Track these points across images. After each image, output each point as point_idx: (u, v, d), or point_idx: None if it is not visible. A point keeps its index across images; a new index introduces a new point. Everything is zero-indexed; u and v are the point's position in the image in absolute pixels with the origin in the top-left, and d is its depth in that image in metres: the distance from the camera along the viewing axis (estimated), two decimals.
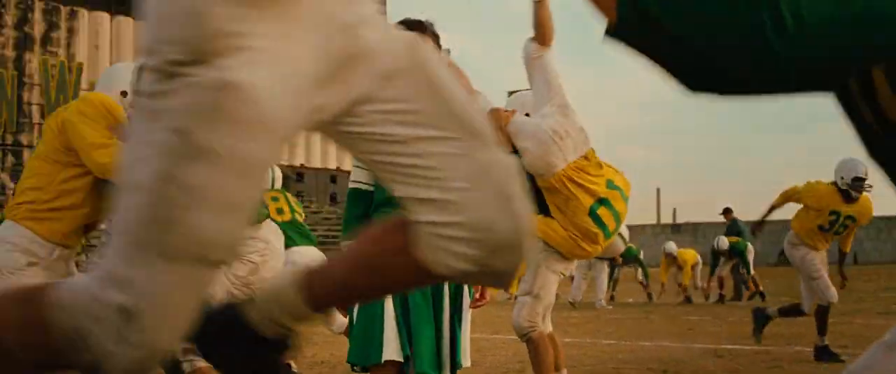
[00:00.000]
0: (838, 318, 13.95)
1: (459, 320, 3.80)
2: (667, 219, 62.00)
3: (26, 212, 4.69)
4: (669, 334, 11.83)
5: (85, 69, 32.48)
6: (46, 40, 73.03)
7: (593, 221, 5.77)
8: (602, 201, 5.78)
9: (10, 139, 31.37)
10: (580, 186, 5.74)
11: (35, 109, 58.89)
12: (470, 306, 3.81)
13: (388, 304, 3.75)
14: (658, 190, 69.79)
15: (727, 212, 20.62)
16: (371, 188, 3.90)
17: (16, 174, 32.19)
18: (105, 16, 78.04)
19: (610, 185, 5.79)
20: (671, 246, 20.83)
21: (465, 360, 3.78)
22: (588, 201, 5.73)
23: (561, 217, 5.84)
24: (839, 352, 8.50)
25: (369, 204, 3.90)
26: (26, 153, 43.19)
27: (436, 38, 3.91)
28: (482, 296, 3.85)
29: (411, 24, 3.83)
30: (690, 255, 20.69)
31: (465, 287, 3.80)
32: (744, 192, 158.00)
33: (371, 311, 3.77)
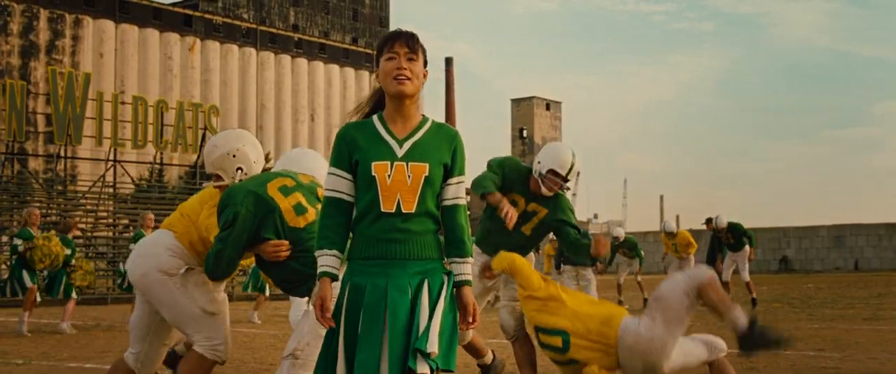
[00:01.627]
0: (824, 323, 14.24)
1: (431, 312, 3.69)
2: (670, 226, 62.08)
3: (183, 228, 5.64)
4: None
5: (92, 80, 32.81)
6: (51, 48, 73.26)
7: (542, 330, 6.06)
8: (550, 339, 6.02)
9: (16, 148, 31.62)
10: (585, 345, 5.95)
11: (40, 119, 59.31)
12: (461, 328, 3.78)
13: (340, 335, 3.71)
14: (661, 197, 70.20)
15: (709, 222, 20.76)
16: (351, 199, 3.83)
17: (21, 182, 32.51)
18: (110, 24, 78.39)
19: (572, 361, 6.04)
20: (670, 224, 20.79)
21: (431, 346, 3.61)
22: (558, 326, 6.00)
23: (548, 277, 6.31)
24: (815, 355, 8.86)
25: (349, 215, 3.83)
26: (31, 162, 43.30)
27: (424, 51, 3.91)
28: (474, 319, 3.78)
29: (406, 36, 3.85)
30: (685, 235, 20.41)
31: (445, 289, 3.75)
32: (747, 198, 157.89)
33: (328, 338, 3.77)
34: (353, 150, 3.80)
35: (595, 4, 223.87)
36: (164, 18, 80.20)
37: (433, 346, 3.59)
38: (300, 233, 5.16)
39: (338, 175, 3.83)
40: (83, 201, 30.16)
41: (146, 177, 46.63)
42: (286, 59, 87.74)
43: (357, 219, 3.79)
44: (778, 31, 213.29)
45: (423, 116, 3.93)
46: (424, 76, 3.90)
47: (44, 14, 73.41)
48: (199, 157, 31.02)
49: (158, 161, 32.87)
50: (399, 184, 3.72)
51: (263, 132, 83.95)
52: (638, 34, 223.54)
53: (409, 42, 3.82)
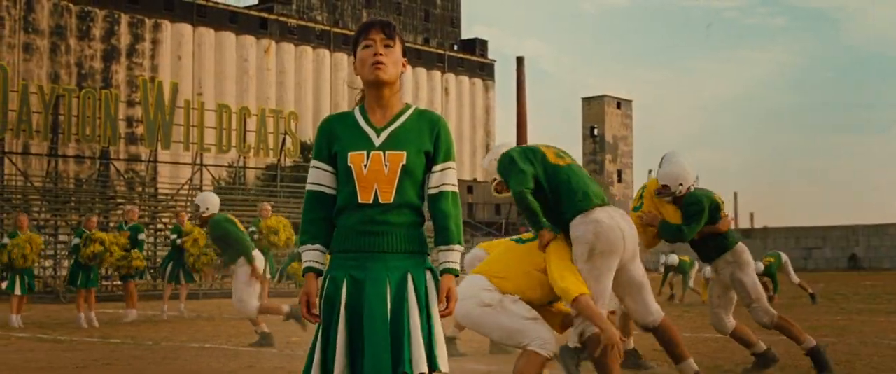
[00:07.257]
0: (847, 315, 15.03)
1: (429, 324, 3.64)
2: (744, 224, 60.82)
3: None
4: (685, 325, 12.96)
5: (170, 82, 35.10)
6: (131, 52, 75.68)
7: None
8: None
9: (98, 151, 33.81)
10: None
11: (122, 125, 61.52)
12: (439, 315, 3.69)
13: (340, 328, 3.59)
14: (736, 194, 69.85)
15: None
16: (333, 192, 3.73)
17: (102, 182, 34.47)
18: (187, 27, 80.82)
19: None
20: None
21: (443, 365, 3.62)
22: None
23: None
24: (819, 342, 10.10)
25: (331, 208, 3.72)
26: (115, 163, 45.69)
27: (402, 40, 3.85)
28: (448, 307, 3.65)
29: (382, 24, 3.78)
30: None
31: (433, 291, 3.69)
32: (819, 194, 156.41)
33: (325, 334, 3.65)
34: (333, 141, 3.73)
35: (667, 0, 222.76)
36: (240, 21, 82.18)
37: (421, 366, 3.56)
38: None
39: (319, 168, 3.75)
40: (172, 202, 32.19)
41: (224, 178, 48.75)
42: None
43: (337, 212, 3.71)
44: (852, 26, 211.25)
45: (406, 104, 3.86)
46: (404, 65, 3.82)
47: (125, 19, 75.82)
48: (279, 159, 33.15)
49: (240, 164, 34.89)
50: (376, 174, 3.62)
51: None
52: (710, 29, 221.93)
53: (385, 29, 3.75)
